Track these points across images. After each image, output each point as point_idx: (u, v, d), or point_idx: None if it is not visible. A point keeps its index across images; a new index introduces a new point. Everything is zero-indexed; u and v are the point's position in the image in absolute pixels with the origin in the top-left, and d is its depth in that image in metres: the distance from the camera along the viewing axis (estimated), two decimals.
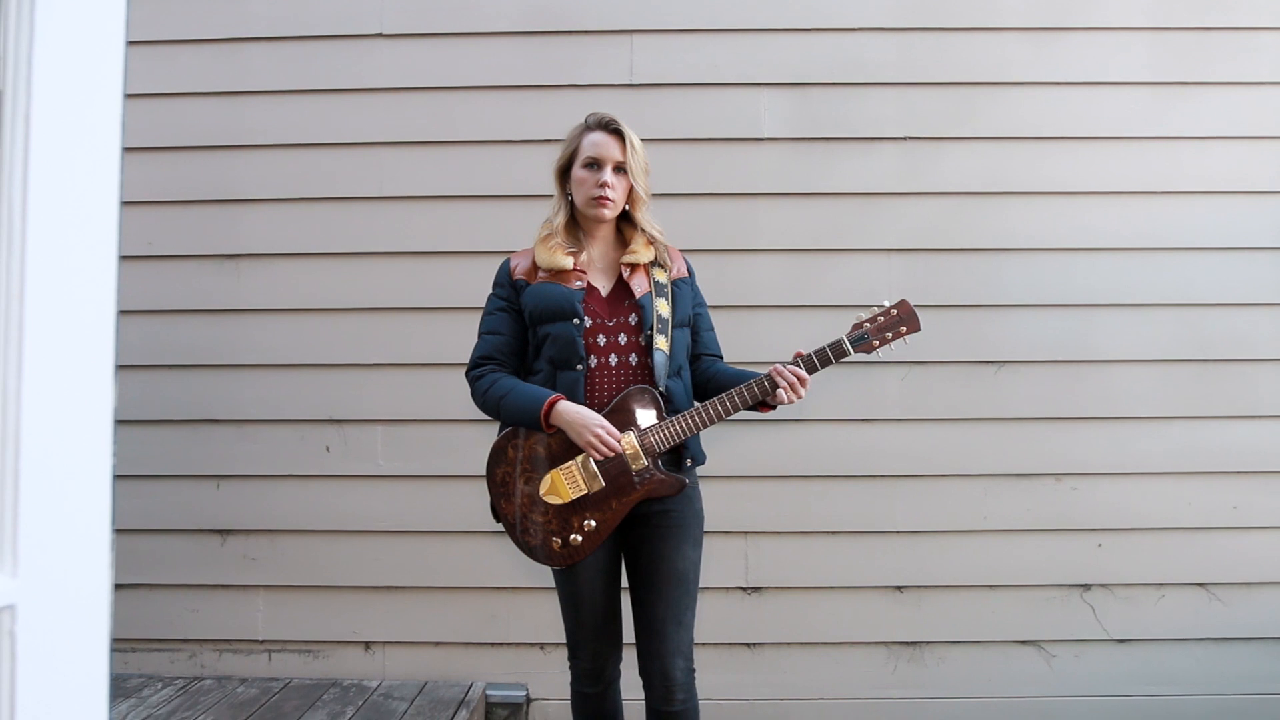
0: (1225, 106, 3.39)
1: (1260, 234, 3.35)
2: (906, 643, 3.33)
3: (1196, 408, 3.33)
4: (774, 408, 2.26)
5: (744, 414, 2.25)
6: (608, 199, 2.23)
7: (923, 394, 3.34)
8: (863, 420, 3.34)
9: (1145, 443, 3.32)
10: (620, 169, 2.25)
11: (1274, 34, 3.39)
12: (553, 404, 2.13)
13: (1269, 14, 3.39)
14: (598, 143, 2.24)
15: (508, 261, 2.33)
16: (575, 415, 2.13)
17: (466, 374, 2.30)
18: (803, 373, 2.19)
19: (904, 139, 3.39)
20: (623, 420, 2.17)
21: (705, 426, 2.19)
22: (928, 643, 3.33)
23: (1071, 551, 3.31)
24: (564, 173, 2.31)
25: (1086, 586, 3.32)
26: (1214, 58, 3.40)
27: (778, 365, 2.19)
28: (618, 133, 2.25)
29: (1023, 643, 3.32)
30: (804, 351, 2.23)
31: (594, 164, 2.24)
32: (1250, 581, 3.31)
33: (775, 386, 2.17)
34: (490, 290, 2.34)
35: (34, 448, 0.90)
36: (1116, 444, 3.32)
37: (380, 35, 3.42)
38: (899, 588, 3.33)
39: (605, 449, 2.12)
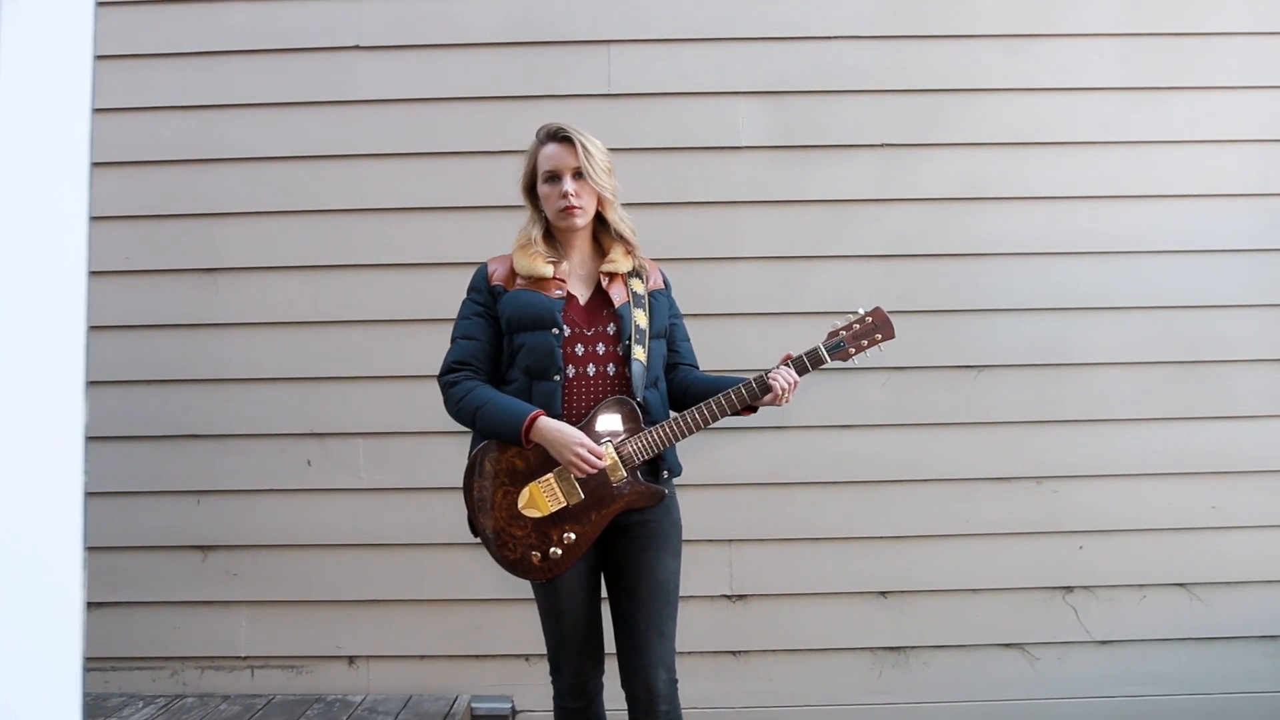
0: (1198, 110, 3.42)
1: (1235, 236, 3.38)
2: (891, 648, 3.34)
3: (1175, 409, 3.35)
4: (755, 410, 2.26)
5: (724, 421, 2.25)
6: (575, 207, 2.22)
7: (903, 399, 3.35)
8: (844, 426, 3.35)
9: (1125, 444, 3.34)
10: (579, 174, 2.22)
11: (1245, 38, 3.43)
12: (534, 420, 2.12)
13: (1240, 18, 3.43)
14: (551, 155, 2.23)
15: (485, 266, 2.31)
16: (556, 433, 2.11)
17: (439, 378, 2.26)
18: (794, 375, 2.20)
19: (881, 146, 3.40)
20: (601, 432, 2.16)
21: (684, 436, 2.19)
22: (912, 647, 3.34)
23: (1053, 554, 3.33)
24: (531, 190, 2.30)
25: (1069, 589, 3.34)
26: (1187, 62, 3.43)
27: (769, 370, 2.20)
28: (567, 140, 2.23)
29: (1006, 645, 3.33)
30: (794, 354, 2.24)
31: (553, 176, 2.23)
32: (1230, 581, 3.33)
33: (766, 390, 2.18)
34: (466, 295, 2.32)
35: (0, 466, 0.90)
36: (1096, 446, 3.34)
37: (358, 48, 3.42)
38: (883, 593, 3.34)
39: (587, 468, 2.11)
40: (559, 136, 2.24)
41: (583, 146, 2.21)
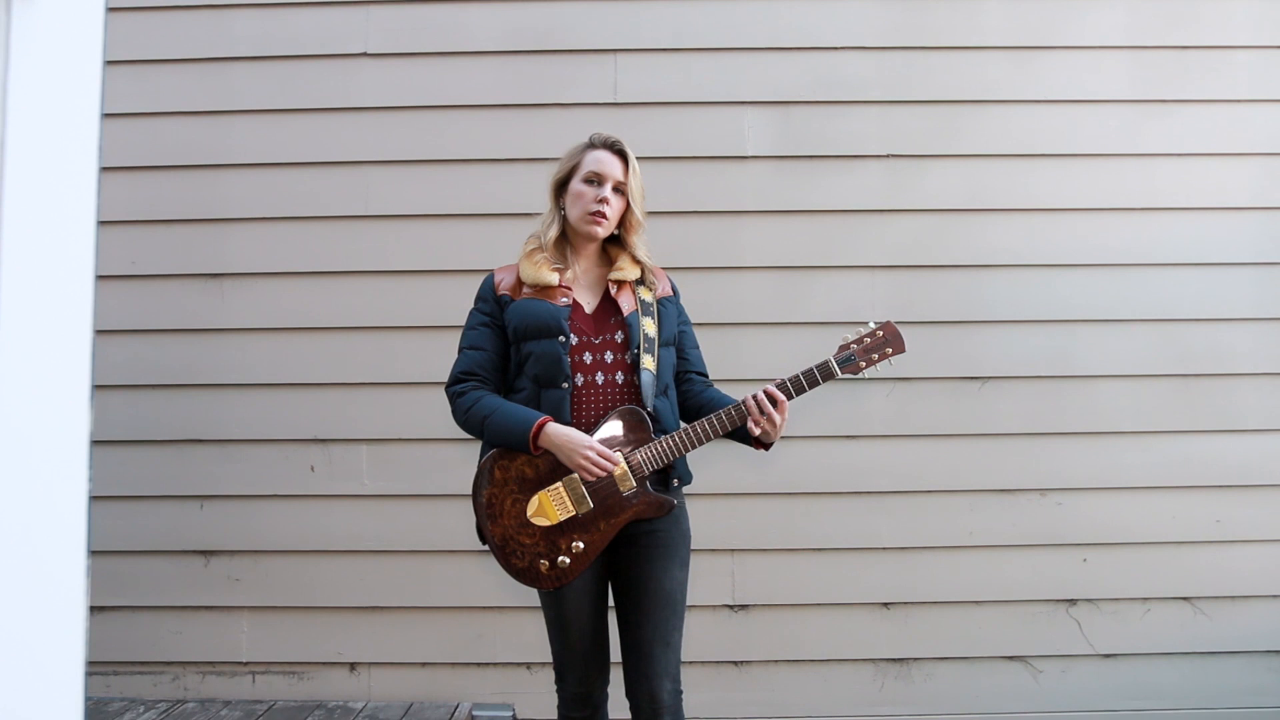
0: (1202, 124, 3.42)
1: (1238, 250, 3.38)
2: (894, 659, 3.33)
3: (1178, 422, 3.35)
4: (768, 446, 2.25)
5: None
6: (604, 215, 2.23)
7: (908, 410, 3.35)
8: (848, 437, 3.35)
9: (1129, 457, 3.34)
10: (619, 189, 2.25)
11: (1248, 52, 3.44)
12: (541, 426, 2.11)
13: (1243, 32, 3.44)
14: (601, 159, 2.25)
15: (492, 276, 2.31)
16: (565, 437, 2.11)
17: (447, 389, 2.26)
18: (779, 396, 2.17)
19: (887, 157, 3.41)
20: (611, 441, 2.15)
21: (693, 447, 2.17)
22: (915, 659, 3.33)
23: (1057, 566, 3.32)
24: (561, 185, 2.30)
25: (1072, 601, 3.32)
26: (1190, 76, 3.43)
27: (751, 394, 2.17)
28: (622, 154, 2.26)
29: (1010, 658, 3.32)
30: (779, 378, 2.20)
31: (595, 180, 2.24)
32: (1235, 595, 3.32)
33: (761, 411, 2.16)
34: (473, 305, 2.32)
35: (5, 469, 0.90)
36: (1100, 459, 3.34)
37: (365, 55, 3.43)
38: (886, 604, 3.33)
39: (597, 471, 2.10)
40: (615, 147, 2.27)
41: (632, 166, 2.26)
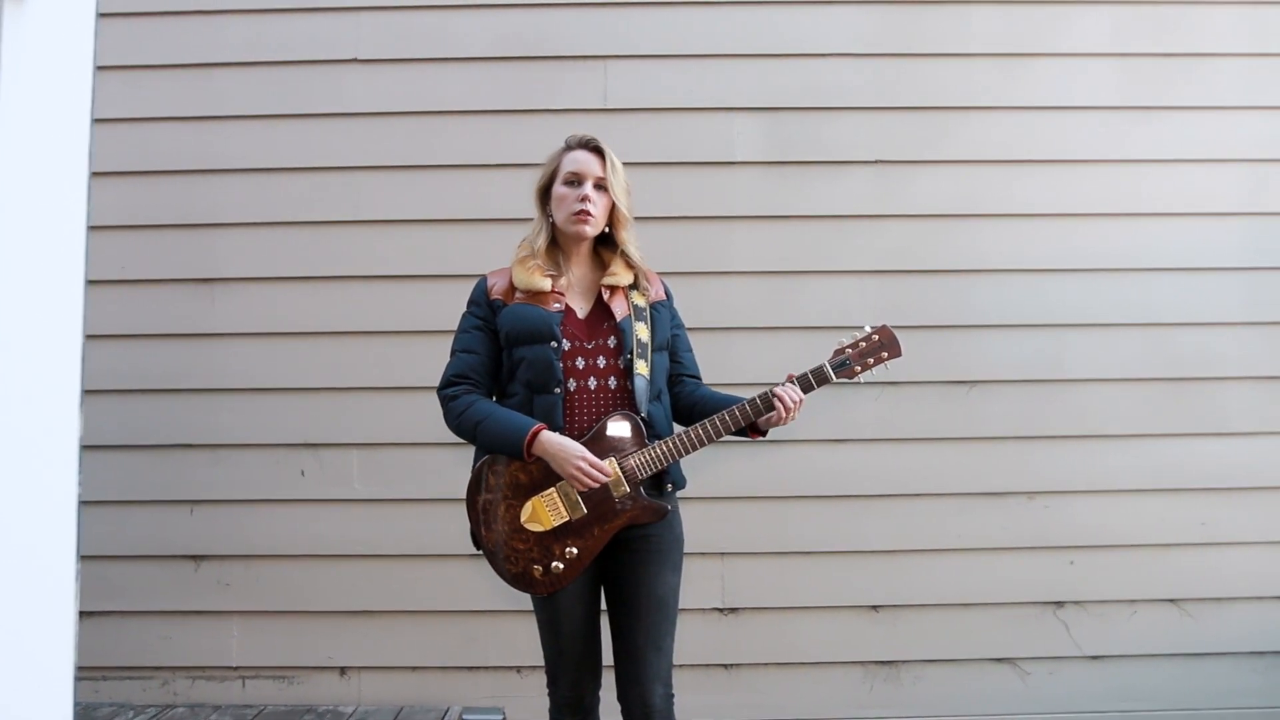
0: (1188, 129, 3.45)
1: (1224, 254, 3.41)
2: (883, 662, 3.34)
3: (1165, 426, 3.37)
4: (764, 433, 2.26)
5: (728, 438, 2.25)
6: (589, 214, 2.23)
7: (896, 414, 3.36)
8: (837, 441, 3.36)
9: (1116, 461, 3.36)
10: (601, 186, 2.25)
11: (1234, 59, 3.47)
12: (535, 434, 2.11)
13: (1229, 39, 3.47)
14: (578, 159, 2.25)
15: (484, 280, 2.31)
16: (558, 447, 2.11)
17: (439, 392, 2.26)
18: (799, 392, 2.19)
19: (875, 162, 3.43)
20: (604, 446, 2.15)
21: (688, 452, 2.18)
22: (904, 662, 3.34)
23: (1044, 569, 3.34)
24: (544, 192, 2.31)
25: (1060, 604, 3.34)
26: (1177, 82, 3.46)
27: (774, 387, 2.19)
28: (598, 150, 2.26)
29: (998, 660, 3.34)
30: (796, 373, 2.23)
31: (575, 180, 2.24)
32: (1220, 597, 3.34)
33: (770, 407, 2.17)
34: (465, 308, 2.32)
35: None
36: (1087, 462, 3.36)
37: (355, 61, 3.43)
38: (875, 607, 3.34)
39: (589, 481, 2.10)
40: (590, 145, 2.27)
41: (611, 161, 2.25)
